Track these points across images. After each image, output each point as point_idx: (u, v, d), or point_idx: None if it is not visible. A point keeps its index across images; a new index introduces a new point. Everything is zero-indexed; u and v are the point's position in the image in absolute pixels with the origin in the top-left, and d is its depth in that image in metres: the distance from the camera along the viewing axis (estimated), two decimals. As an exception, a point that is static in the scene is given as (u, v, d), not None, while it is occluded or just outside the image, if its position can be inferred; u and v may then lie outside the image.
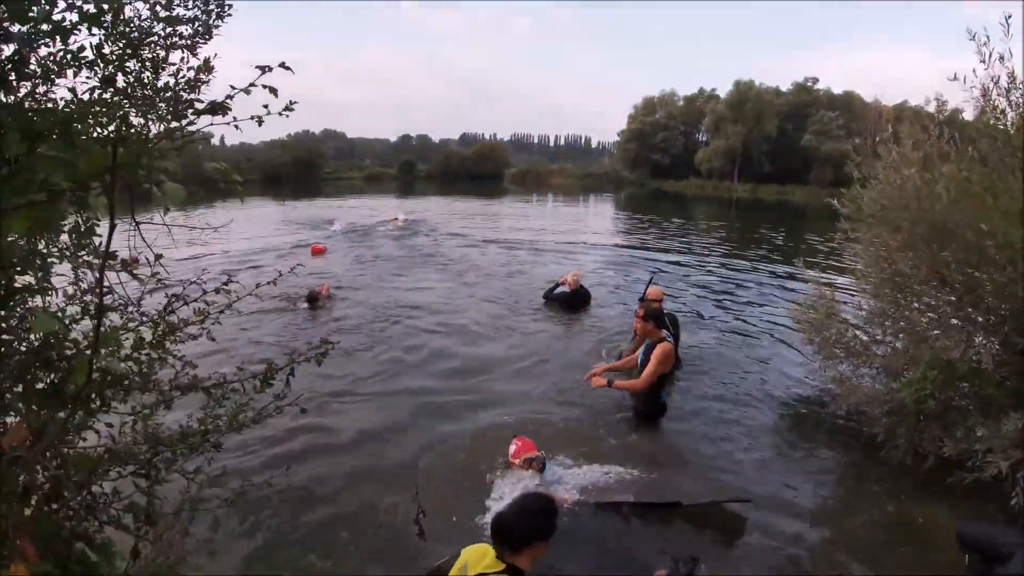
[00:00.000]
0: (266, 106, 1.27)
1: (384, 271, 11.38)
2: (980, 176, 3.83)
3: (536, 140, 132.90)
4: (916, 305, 4.62)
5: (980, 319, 4.00)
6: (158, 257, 1.69)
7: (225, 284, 2.15)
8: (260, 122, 1.31)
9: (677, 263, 13.43)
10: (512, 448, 4.04)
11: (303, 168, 55.38)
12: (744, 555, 3.38)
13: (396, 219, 19.95)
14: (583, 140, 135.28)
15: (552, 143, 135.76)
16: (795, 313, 6.00)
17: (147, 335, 1.88)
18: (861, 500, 3.96)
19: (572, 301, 8.43)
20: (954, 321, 4.27)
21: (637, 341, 5.53)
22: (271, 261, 12.17)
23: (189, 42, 1.92)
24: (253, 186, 44.73)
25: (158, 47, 1.83)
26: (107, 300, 1.77)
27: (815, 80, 55.62)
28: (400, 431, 4.80)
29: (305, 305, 8.34)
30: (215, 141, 57.05)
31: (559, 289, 8.62)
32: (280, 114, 1.39)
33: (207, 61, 1.92)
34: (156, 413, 1.94)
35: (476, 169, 62.14)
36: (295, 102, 1.45)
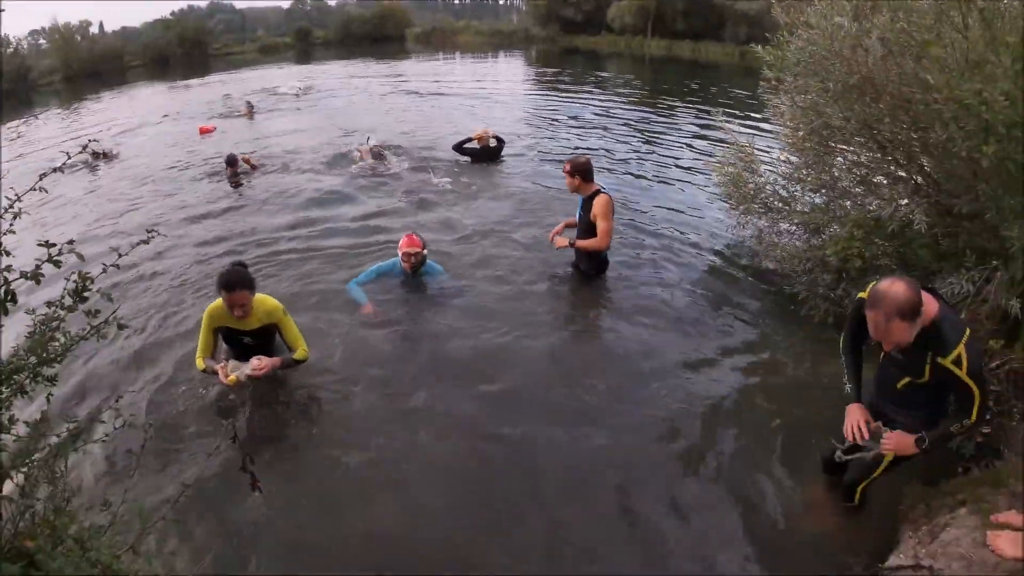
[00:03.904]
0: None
1: (286, 147, 10.18)
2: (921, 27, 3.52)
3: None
4: (840, 160, 4.51)
5: (915, 179, 3.93)
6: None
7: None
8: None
9: (595, 113, 13.21)
10: (401, 240, 4.67)
11: (191, 47, 49.51)
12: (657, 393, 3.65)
13: (297, 92, 17.76)
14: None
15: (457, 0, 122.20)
16: (713, 167, 5.77)
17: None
18: (781, 356, 4.05)
19: (485, 155, 8.69)
20: (880, 179, 4.22)
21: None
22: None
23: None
24: (140, 72, 39.82)
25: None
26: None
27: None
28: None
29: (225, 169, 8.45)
30: (94, 29, 48.33)
31: (469, 144, 8.67)
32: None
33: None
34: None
35: (377, 31, 55.90)
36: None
